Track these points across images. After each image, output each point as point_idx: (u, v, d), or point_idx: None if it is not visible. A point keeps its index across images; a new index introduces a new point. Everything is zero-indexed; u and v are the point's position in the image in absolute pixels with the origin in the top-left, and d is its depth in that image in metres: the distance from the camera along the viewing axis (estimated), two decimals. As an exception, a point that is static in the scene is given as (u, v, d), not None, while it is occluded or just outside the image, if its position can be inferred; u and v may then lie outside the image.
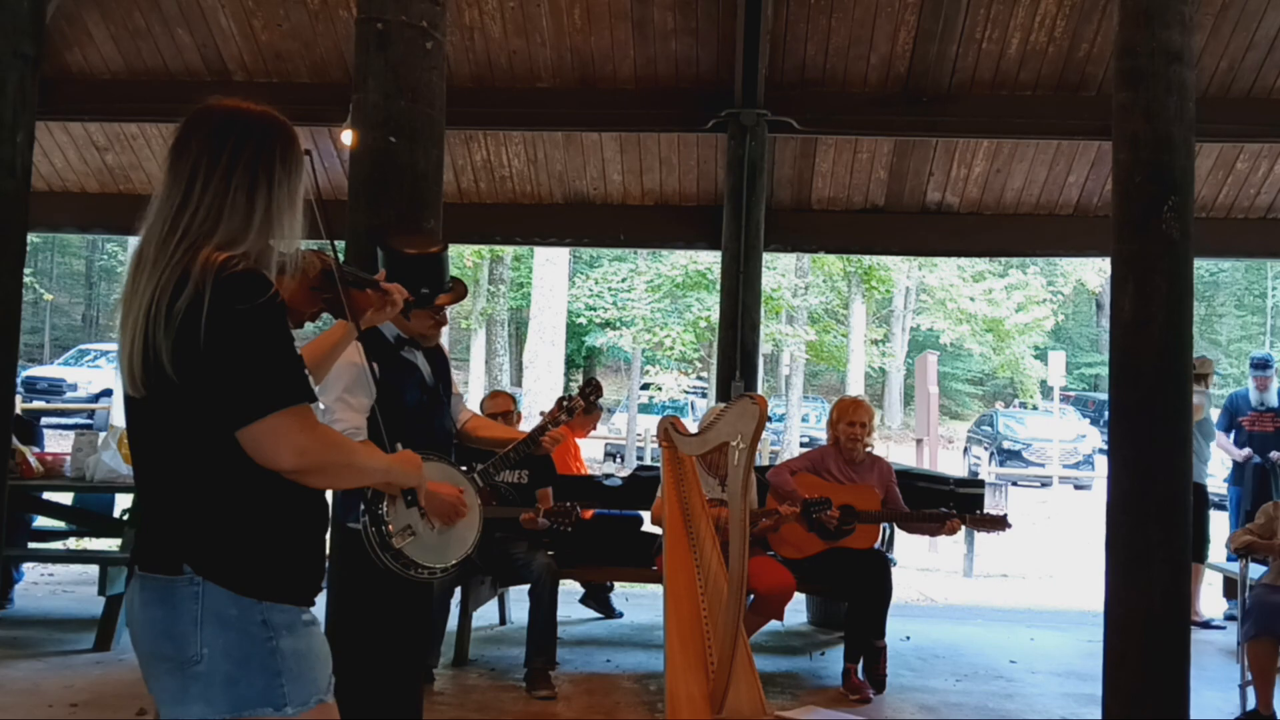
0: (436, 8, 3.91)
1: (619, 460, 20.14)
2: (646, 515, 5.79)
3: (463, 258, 20.70)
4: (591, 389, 3.70)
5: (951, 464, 20.66)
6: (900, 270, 23.91)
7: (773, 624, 5.22)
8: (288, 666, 1.80)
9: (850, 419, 5.26)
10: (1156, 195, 3.84)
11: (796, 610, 6.26)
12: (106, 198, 8.42)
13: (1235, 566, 5.46)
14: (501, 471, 3.48)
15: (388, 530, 2.77)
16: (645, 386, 22.72)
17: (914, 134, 7.53)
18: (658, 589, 4.63)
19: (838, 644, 5.47)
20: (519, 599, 5.64)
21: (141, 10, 7.41)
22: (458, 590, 5.15)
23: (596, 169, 8.00)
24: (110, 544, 6.66)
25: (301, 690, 1.81)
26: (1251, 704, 4.70)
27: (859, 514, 5.05)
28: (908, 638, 6.11)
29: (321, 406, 2.86)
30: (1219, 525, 7.48)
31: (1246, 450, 7.34)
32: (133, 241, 2.11)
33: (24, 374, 18.21)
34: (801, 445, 20.40)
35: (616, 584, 6.68)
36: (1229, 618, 6.82)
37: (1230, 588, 6.64)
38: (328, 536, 2.34)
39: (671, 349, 20.47)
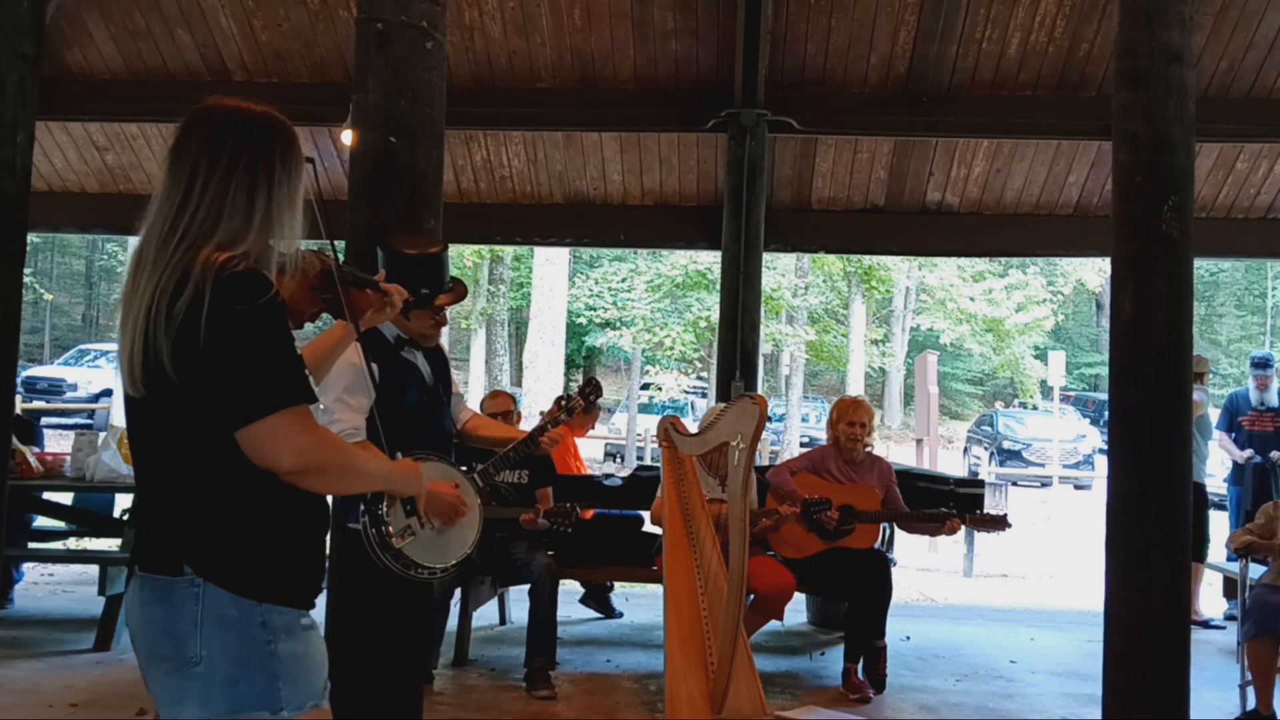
0: (436, 8, 3.91)
1: (619, 460, 20.13)
2: (646, 515, 5.79)
3: (463, 258, 20.70)
4: (591, 389, 3.70)
5: (951, 464, 20.66)
6: (900, 270, 23.90)
7: (773, 624, 5.22)
8: (285, 669, 1.80)
9: (850, 419, 5.26)
10: (1156, 195, 3.84)
11: (796, 610, 6.26)
12: (106, 198, 8.43)
13: (1235, 566, 5.46)
14: (501, 471, 3.48)
15: (387, 530, 2.77)
16: (645, 386, 22.72)
17: (914, 134, 7.53)
18: (658, 589, 4.62)
19: (838, 644, 5.47)
20: (519, 599, 5.64)
21: (141, 10, 7.41)
22: (458, 590, 5.15)
23: (596, 169, 8.00)
24: (110, 544, 6.66)
25: (298, 694, 1.81)
26: (1251, 704, 4.70)
27: (859, 514, 5.05)
28: (908, 638, 6.11)
29: (321, 407, 2.87)
30: (1219, 525, 7.48)
31: (1248, 451, 7.34)
32: (133, 241, 2.11)
33: (24, 374, 18.21)
34: (801, 445, 20.40)
35: (616, 584, 6.68)
36: (1229, 618, 6.83)
37: (1230, 588, 6.63)
38: (328, 538, 2.34)
39: (671, 349, 20.47)
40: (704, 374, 25.29)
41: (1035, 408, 26.73)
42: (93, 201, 8.45)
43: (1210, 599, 7.32)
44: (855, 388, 23.45)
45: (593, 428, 8.22)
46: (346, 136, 4.58)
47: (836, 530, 5.03)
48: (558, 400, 3.54)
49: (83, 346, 23.16)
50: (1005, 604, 8.35)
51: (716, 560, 3.85)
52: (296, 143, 1.92)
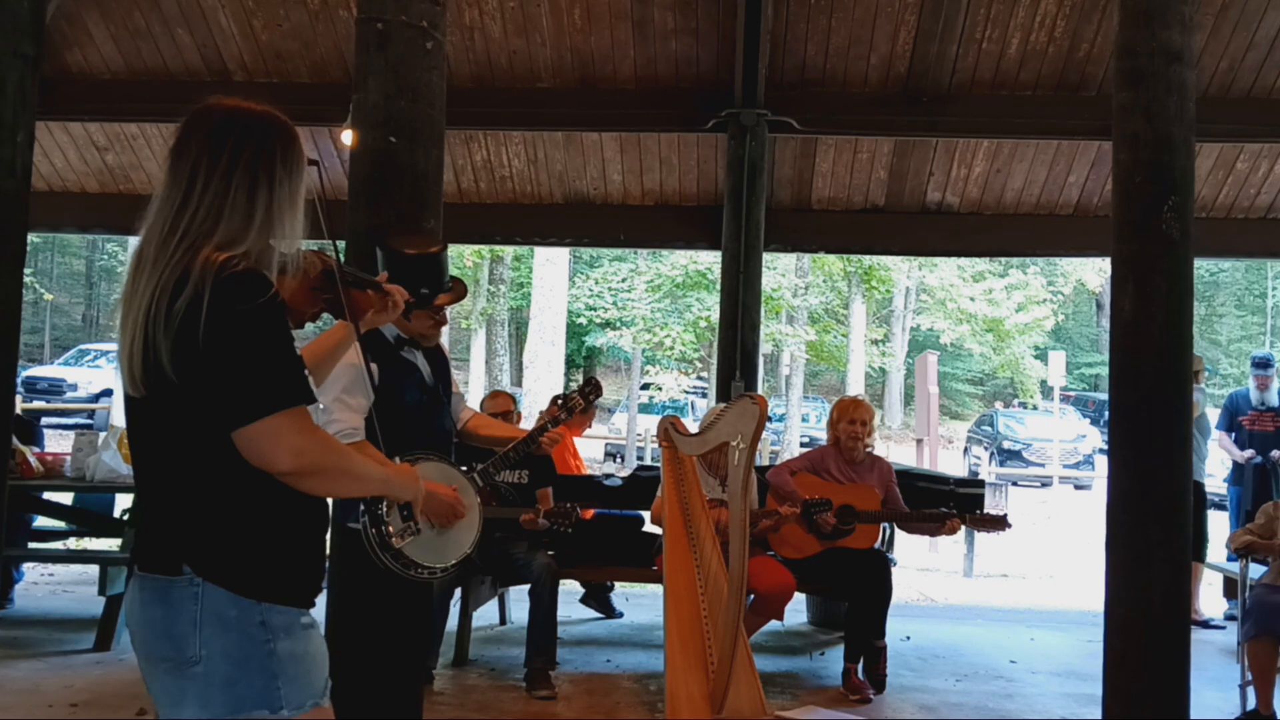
0: (436, 8, 3.91)
1: (619, 460, 20.13)
2: (646, 515, 5.79)
3: (463, 258, 20.70)
4: (591, 388, 3.70)
5: (951, 464, 20.65)
6: (900, 270, 23.90)
7: (773, 624, 5.22)
8: (285, 669, 1.80)
9: (850, 418, 5.26)
10: (1156, 195, 3.84)
11: (796, 610, 6.26)
12: (106, 198, 8.43)
13: (1235, 566, 5.46)
14: (501, 471, 3.48)
15: (387, 530, 2.77)
16: (645, 386, 22.71)
17: (914, 134, 7.53)
18: (658, 589, 4.62)
19: (838, 644, 5.47)
20: (519, 599, 5.64)
21: (141, 10, 7.41)
22: (458, 590, 5.15)
23: (596, 169, 8.00)
24: (110, 544, 6.66)
25: (298, 693, 1.81)
26: (1251, 704, 4.70)
27: (859, 514, 5.05)
28: (908, 638, 6.11)
29: (321, 406, 2.87)
30: (1219, 525, 7.48)
31: (1249, 451, 7.34)
32: (133, 241, 2.11)
33: (24, 374, 18.21)
34: (801, 445, 20.39)
35: (617, 584, 6.68)
36: (1229, 618, 6.83)
37: (1230, 588, 6.63)
38: (328, 538, 2.34)
39: (671, 349, 20.46)
40: (704, 374, 25.28)
41: (1035, 408, 26.73)
42: (93, 201, 8.45)
43: (1210, 599, 7.32)
44: (855, 388, 23.45)
45: (590, 426, 8.23)
46: (346, 136, 4.58)
47: (836, 530, 5.03)
48: (554, 400, 3.54)
49: (83, 346, 23.16)
50: (1005, 604, 8.35)
51: (716, 560, 3.85)
52: (297, 142, 1.91)
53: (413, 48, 3.85)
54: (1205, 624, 6.77)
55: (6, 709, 4.31)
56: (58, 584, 7.00)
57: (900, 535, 6.43)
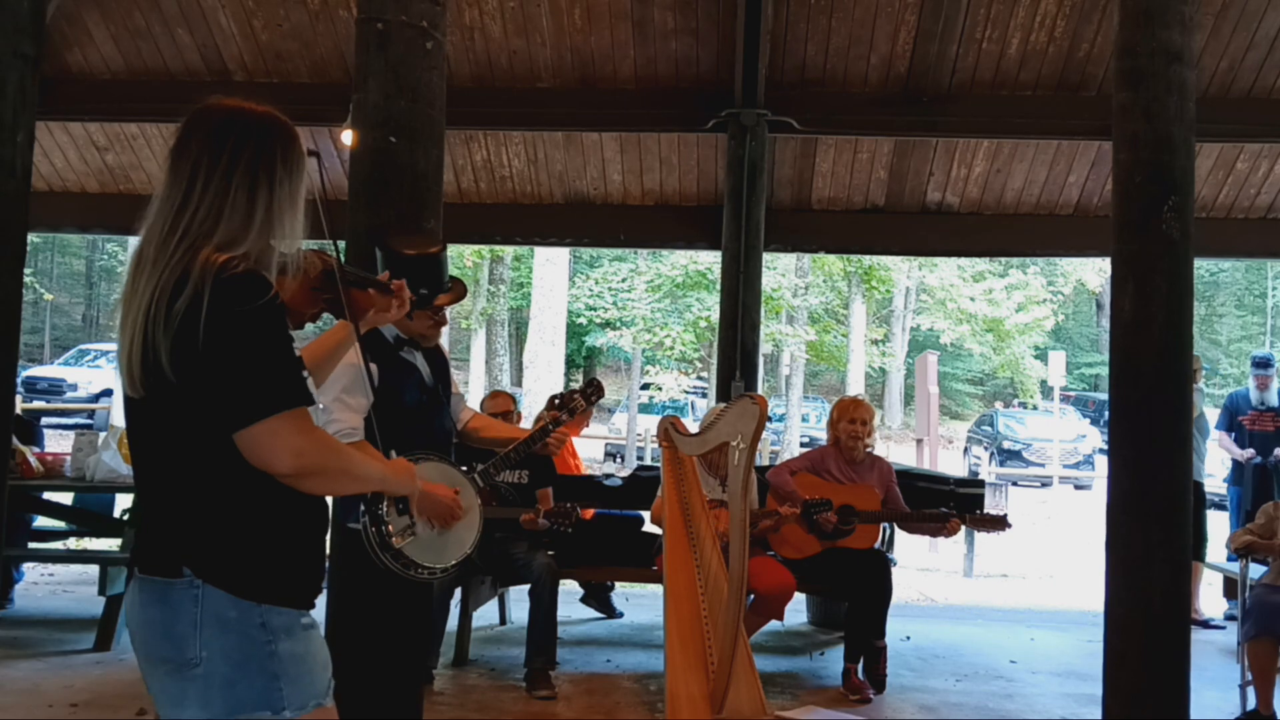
0: (436, 8, 3.91)
1: (619, 460, 20.13)
2: (646, 515, 5.79)
3: (463, 258, 20.70)
4: (593, 389, 3.70)
5: (951, 464, 20.65)
6: (900, 270, 23.90)
7: (773, 624, 5.21)
8: (286, 670, 1.79)
9: (850, 418, 5.26)
10: (1156, 195, 3.84)
11: (796, 610, 6.26)
12: (106, 198, 8.43)
13: (1235, 566, 5.46)
14: (502, 472, 3.48)
15: (387, 530, 2.77)
16: (645, 386, 22.71)
17: (914, 134, 7.53)
18: (658, 589, 4.63)
19: (838, 644, 5.47)
20: (519, 599, 5.64)
21: (141, 10, 7.41)
22: (458, 590, 5.15)
23: (596, 169, 8.00)
24: (110, 544, 6.66)
25: (299, 694, 1.81)
26: (1251, 704, 4.70)
27: (859, 514, 5.05)
28: (908, 638, 6.11)
29: (320, 406, 2.87)
30: (1219, 525, 7.48)
31: (1250, 451, 7.34)
32: (133, 241, 2.10)
33: (24, 374, 18.21)
34: (801, 445, 20.39)
35: (617, 584, 6.68)
36: (1229, 618, 6.83)
37: (1230, 588, 6.63)
38: (328, 538, 2.34)
39: (671, 349, 20.46)
40: (704, 374, 25.27)
41: (1035, 408, 26.73)
42: (93, 201, 8.45)
43: (1210, 599, 7.32)
44: (855, 388, 23.45)
45: (587, 425, 8.23)
46: (347, 136, 4.58)
47: (836, 530, 5.03)
48: (552, 399, 3.53)
49: (83, 346, 23.16)
50: (1005, 604, 8.35)
51: (716, 560, 3.85)
52: (298, 142, 1.91)
53: (413, 48, 3.85)
54: (1205, 624, 6.77)
55: (6, 709, 4.31)
56: (58, 584, 7.01)
57: (900, 535, 6.43)
